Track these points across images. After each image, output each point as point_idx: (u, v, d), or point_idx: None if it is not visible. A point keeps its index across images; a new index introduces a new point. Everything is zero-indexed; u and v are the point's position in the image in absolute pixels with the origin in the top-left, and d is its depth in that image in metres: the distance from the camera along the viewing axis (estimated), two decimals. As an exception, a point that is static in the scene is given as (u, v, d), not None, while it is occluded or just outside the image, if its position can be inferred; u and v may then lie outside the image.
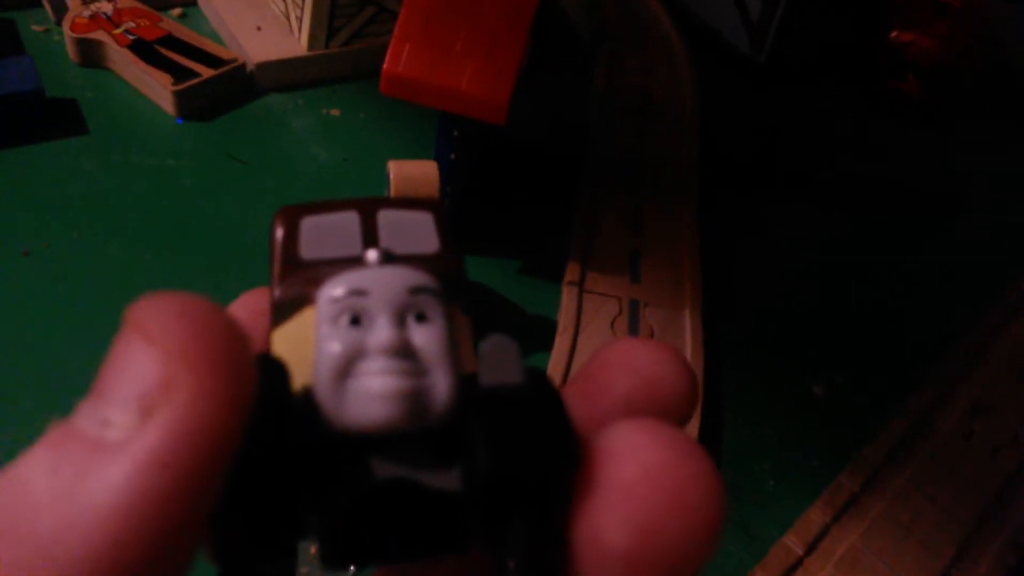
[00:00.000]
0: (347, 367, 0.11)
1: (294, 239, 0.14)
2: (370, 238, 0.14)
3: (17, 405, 0.31)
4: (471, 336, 0.13)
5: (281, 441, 0.11)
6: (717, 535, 0.11)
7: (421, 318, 0.12)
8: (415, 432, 0.11)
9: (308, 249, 0.13)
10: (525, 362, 0.12)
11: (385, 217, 0.14)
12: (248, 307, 0.14)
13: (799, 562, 0.30)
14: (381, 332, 0.12)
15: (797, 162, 0.52)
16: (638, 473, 0.11)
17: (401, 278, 0.12)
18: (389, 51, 0.34)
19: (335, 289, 0.12)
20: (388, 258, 0.13)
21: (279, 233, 0.14)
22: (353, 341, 0.12)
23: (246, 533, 0.11)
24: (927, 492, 0.34)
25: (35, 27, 0.47)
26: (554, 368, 0.35)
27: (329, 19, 0.47)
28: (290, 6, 0.47)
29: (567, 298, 0.38)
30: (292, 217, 0.14)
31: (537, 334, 0.38)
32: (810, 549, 0.31)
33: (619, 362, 0.13)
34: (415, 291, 0.12)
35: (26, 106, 0.40)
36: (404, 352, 0.12)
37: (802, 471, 0.35)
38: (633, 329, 0.37)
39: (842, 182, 0.51)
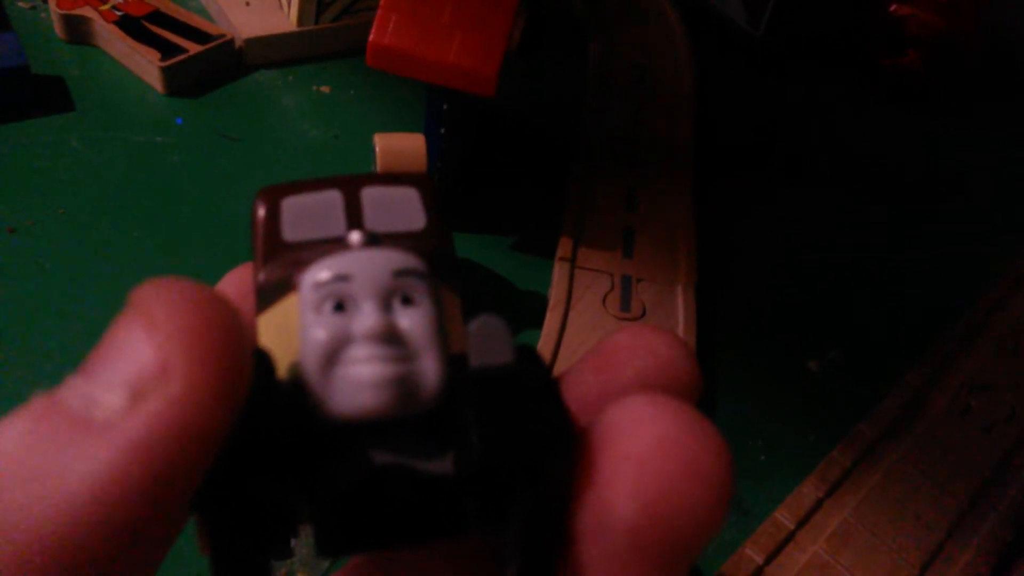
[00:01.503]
0: (334, 354, 0.11)
1: (276, 221, 0.13)
2: (354, 217, 0.13)
3: (1, 383, 0.31)
4: (461, 314, 0.13)
5: (271, 430, 0.11)
6: (725, 513, 0.11)
7: (407, 301, 0.12)
8: (406, 417, 0.11)
9: (290, 231, 0.13)
10: (515, 340, 0.12)
11: (369, 195, 0.14)
12: (236, 284, 0.14)
13: (790, 536, 0.30)
14: (366, 318, 0.11)
15: (794, 140, 0.52)
16: (651, 444, 0.11)
17: (385, 260, 0.12)
18: (375, 22, 0.33)
19: (318, 274, 0.12)
20: (372, 239, 0.13)
21: (260, 215, 0.13)
22: (338, 328, 0.11)
23: (239, 523, 0.11)
24: (921, 468, 0.34)
25: (21, 3, 0.47)
26: (544, 344, 0.35)
27: (319, -6, 0.46)
28: (279, -19, 0.47)
29: (558, 274, 0.38)
30: (273, 198, 0.14)
31: (528, 310, 0.37)
32: (801, 523, 0.31)
33: (635, 343, 0.13)
34: (400, 273, 0.12)
35: (11, 83, 0.40)
36: (391, 337, 0.11)
37: (796, 446, 0.35)
38: (625, 305, 0.37)
39: (839, 159, 0.51)
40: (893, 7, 0.53)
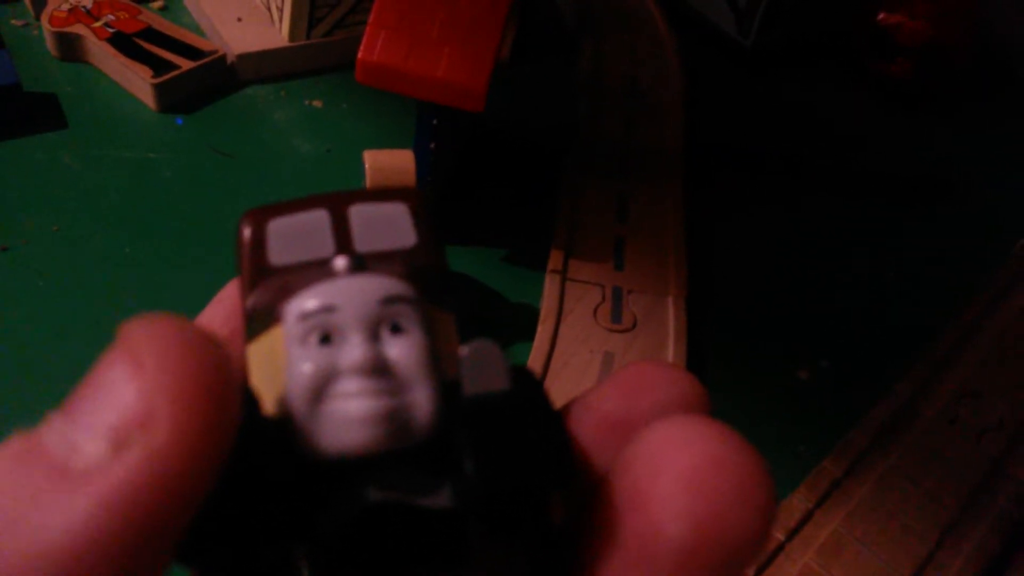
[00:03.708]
0: (321, 389, 0.11)
1: (262, 244, 0.13)
2: (342, 237, 0.13)
3: (-5, 401, 0.31)
4: (456, 334, 0.13)
5: (259, 472, 0.10)
6: (768, 534, 0.11)
7: (396, 329, 0.11)
8: (399, 450, 0.11)
9: (277, 254, 0.13)
10: (510, 364, 0.12)
11: (357, 213, 0.13)
12: (230, 302, 0.14)
13: (780, 548, 0.30)
14: (353, 350, 0.11)
15: (784, 148, 0.52)
16: (702, 463, 0.11)
17: (372, 289, 0.12)
18: (364, 39, 0.33)
19: (302, 305, 0.11)
20: (358, 264, 0.12)
21: (245, 239, 0.13)
22: (325, 361, 0.11)
23: (231, 568, 0.10)
24: (911, 477, 0.34)
25: (14, 21, 0.47)
26: (536, 356, 0.35)
27: (310, 9, 0.46)
28: (271, -4, 0.47)
29: (549, 286, 0.38)
30: (258, 220, 0.13)
31: (519, 322, 0.37)
32: (792, 535, 0.31)
33: (658, 371, 0.13)
34: (388, 301, 0.11)
35: (3, 100, 0.40)
36: (380, 369, 0.11)
37: (786, 456, 0.35)
38: (616, 317, 0.37)
39: (829, 167, 0.51)
40: (882, 15, 0.54)
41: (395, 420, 0.11)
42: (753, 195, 0.48)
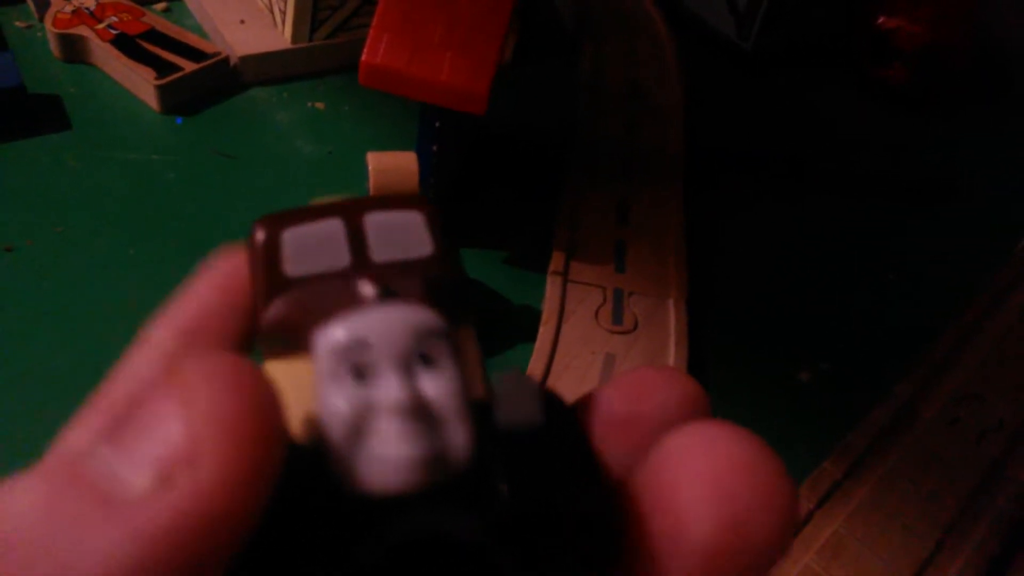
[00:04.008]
0: (358, 427, 0.11)
1: (276, 254, 0.13)
2: (358, 248, 0.13)
3: (-1, 401, 0.31)
4: (477, 346, 0.13)
5: (300, 503, 0.10)
6: (791, 537, 0.11)
7: (428, 360, 0.11)
8: (434, 484, 0.11)
9: (292, 265, 0.13)
10: (543, 397, 0.12)
11: (373, 222, 0.13)
12: (226, 273, 0.13)
13: (781, 549, 0.31)
14: (391, 390, 0.11)
15: (784, 150, 0.52)
16: (728, 466, 0.11)
17: (404, 322, 0.11)
18: (367, 42, 0.33)
19: (334, 338, 0.11)
20: (388, 294, 0.12)
21: (259, 246, 0.13)
22: (360, 400, 0.11)
23: None
24: (911, 478, 0.34)
25: (18, 23, 0.47)
26: (538, 357, 0.35)
27: (312, 12, 0.46)
28: (273, -1, 0.47)
29: (551, 288, 0.38)
30: (272, 228, 0.13)
31: (521, 324, 0.38)
32: (792, 535, 0.31)
33: (660, 375, 0.13)
34: (421, 335, 0.11)
35: (7, 102, 0.40)
36: (418, 410, 0.11)
37: (786, 458, 0.35)
38: (617, 318, 0.37)
39: (829, 170, 0.51)
40: (881, 19, 0.54)
41: (434, 461, 0.11)
42: (753, 198, 0.48)
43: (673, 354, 0.37)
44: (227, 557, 0.09)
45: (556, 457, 0.11)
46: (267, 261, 0.13)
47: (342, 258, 0.13)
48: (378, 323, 0.11)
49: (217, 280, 0.14)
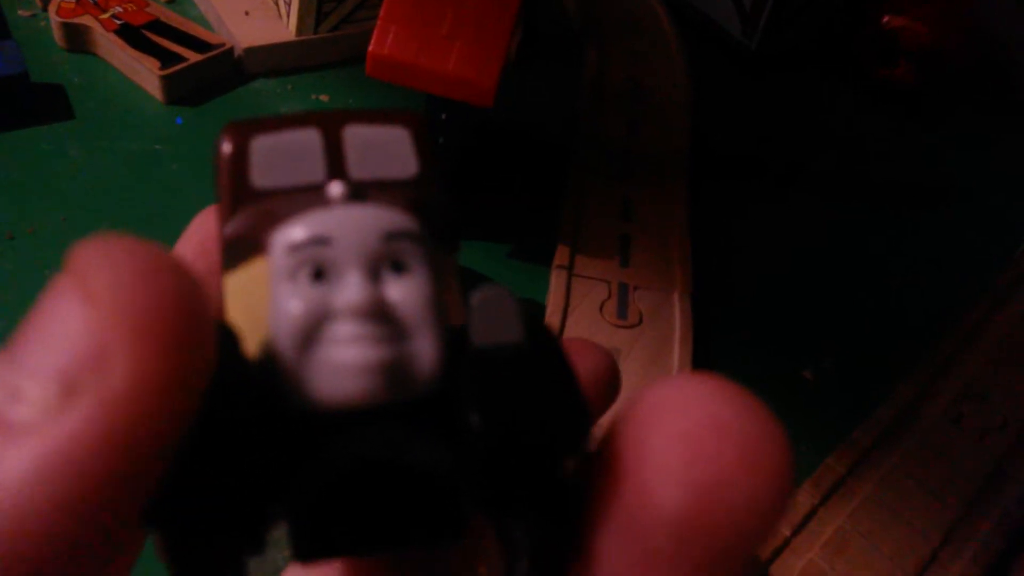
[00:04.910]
0: (312, 332, 0.10)
1: (244, 163, 0.12)
2: (335, 161, 0.12)
3: None
4: (458, 278, 0.11)
5: (238, 419, 0.09)
6: (782, 509, 0.09)
7: (398, 268, 0.10)
8: (395, 403, 0.10)
9: (261, 175, 0.11)
10: (523, 313, 0.11)
11: (352, 135, 0.12)
12: (202, 233, 0.12)
13: (786, 543, 0.30)
14: (350, 290, 0.10)
15: (788, 150, 0.52)
16: (704, 424, 0.09)
17: (372, 221, 0.10)
18: (375, 33, 0.33)
19: (292, 235, 0.10)
20: (356, 193, 0.11)
21: (225, 155, 0.12)
22: (317, 301, 0.10)
23: (202, 527, 0.09)
24: (915, 476, 0.34)
25: (22, 12, 0.47)
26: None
27: (318, 3, 0.46)
28: (278, -9, 0.47)
29: (556, 282, 0.38)
30: (241, 136, 0.12)
31: (525, 318, 0.37)
32: (797, 531, 0.31)
33: (575, 349, 0.12)
34: (391, 236, 0.10)
35: (11, 91, 0.40)
36: (379, 313, 0.10)
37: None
38: (622, 313, 0.37)
39: (833, 169, 0.51)
40: (886, 19, 0.54)
41: (394, 370, 0.10)
42: (758, 196, 0.48)
43: (678, 349, 0.36)
44: (150, 473, 0.08)
45: (537, 386, 0.10)
46: (233, 171, 0.12)
47: (316, 172, 0.12)
48: (343, 220, 0.10)
49: (195, 240, 0.13)
